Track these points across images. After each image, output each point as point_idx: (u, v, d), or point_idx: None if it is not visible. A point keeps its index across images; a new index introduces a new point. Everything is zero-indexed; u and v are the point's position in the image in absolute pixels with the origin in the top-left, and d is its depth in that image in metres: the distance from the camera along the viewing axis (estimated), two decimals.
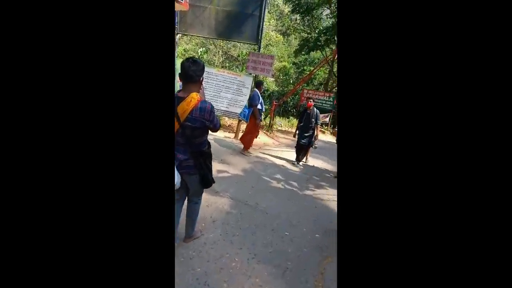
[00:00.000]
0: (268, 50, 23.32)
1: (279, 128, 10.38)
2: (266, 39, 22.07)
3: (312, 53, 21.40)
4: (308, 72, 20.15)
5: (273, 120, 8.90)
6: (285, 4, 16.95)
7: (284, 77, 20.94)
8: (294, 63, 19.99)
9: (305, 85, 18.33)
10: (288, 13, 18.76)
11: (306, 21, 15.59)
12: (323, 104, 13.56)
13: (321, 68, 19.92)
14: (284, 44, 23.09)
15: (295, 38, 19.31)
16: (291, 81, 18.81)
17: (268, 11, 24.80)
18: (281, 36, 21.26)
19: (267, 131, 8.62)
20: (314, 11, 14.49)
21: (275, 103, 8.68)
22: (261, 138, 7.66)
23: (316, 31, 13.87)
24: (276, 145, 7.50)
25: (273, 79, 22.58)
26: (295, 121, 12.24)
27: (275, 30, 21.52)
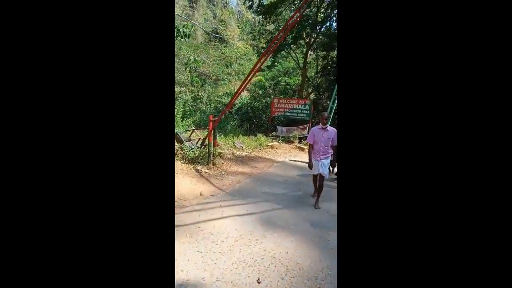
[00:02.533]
0: (241, 65, 19.95)
1: (238, 153, 6.53)
2: (237, 52, 18.73)
3: (286, 63, 18.16)
4: (283, 83, 16.72)
5: (215, 145, 5.02)
6: (243, 4, 13.40)
7: (261, 91, 17.38)
8: (262, 70, 16.34)
9: (278, 93, 14.76)
10: (259, 24, 15.25)
11: (271, 22, 12.04)
12: (299, 114, 9.89)
13: (294, 76, 16.48)
14: (256, 55, 19.76)
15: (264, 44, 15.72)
16: (268, 94, 15.27)
17: (238, 26, 21.61)
18: (250, 47, 17.90)
19: (208, 165, 4.75)
20: (277, 10, 11.00)
21: (211, 119, 4.76)
22: (182, 184, 3.78)
23: (280, 27, 10.26)
24: (203, 201, 3.63)
25: (249, 93, 19.07)
26: (263, 140, 8.42)
27: (241, 40, 18.13)
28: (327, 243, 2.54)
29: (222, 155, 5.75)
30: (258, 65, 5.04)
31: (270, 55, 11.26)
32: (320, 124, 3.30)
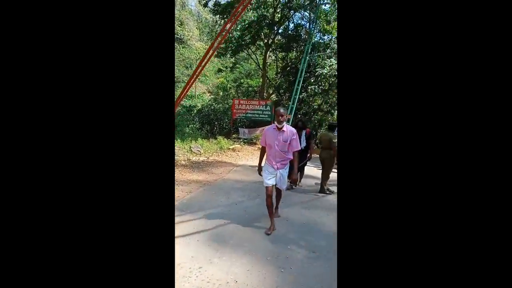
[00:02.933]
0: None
1: (194, 159, 5.92)
2: (196, 53, 17.89)
3: (247, 65, 17.89)
4: (245, 85, 16.41)
5: None
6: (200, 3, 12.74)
7: (222, 92, 16.75)
8: (218, 70, 15.76)
9: (241, 95, 14.38)
10: (216, 24, 14.65)
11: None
12: (260, 115, 9.60)
13: (256, 78, 16.29)
14: (215, 56, 19.10)
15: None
16: (231, 96, 14.79)
17: (196, 27, 20.73)
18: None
19: None
20: (233, 9, 10.56)
21: None
22: None
23: (238, 28, 9.86)
24: None
25: (211, 96, 18.33)
26: (224, 142, 7.91)
27: (200, 41, 17.37)
28: (285, 262, 2.13)
29: (174, 161, 5.09)
30: (211, 52, 4.53)
31: (228, 54, 10.76)
32: (275, 123, 2.50)
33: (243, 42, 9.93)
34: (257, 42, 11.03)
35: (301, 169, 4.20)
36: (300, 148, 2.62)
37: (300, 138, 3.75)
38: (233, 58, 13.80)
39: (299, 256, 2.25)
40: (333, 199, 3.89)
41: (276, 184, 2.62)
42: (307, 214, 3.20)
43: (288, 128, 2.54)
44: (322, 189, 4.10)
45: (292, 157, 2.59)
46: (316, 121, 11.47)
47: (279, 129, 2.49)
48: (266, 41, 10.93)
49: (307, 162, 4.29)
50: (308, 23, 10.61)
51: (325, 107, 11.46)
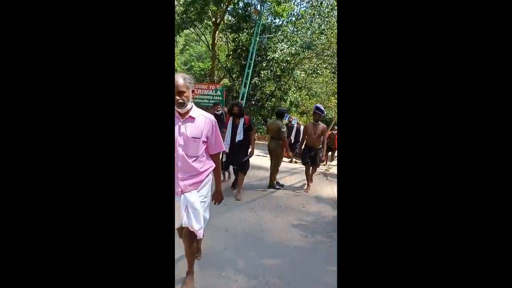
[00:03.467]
0: None
1: None
2: None
3: (198, 47, 16.40)
4: (196, 69, 15.04)
5: None
6: None
7: None
8: None
9: (193, 79, 13.11)
10: None
11: None
12: (211, 101, 8.71)
13: (208, 61, 15.04)
14: None
15: None
16: None
17: None
18: None
19: None
20: None
21: None
22: None
23: (181, 3, 8.52)
24: None
25: None
26: None
27: None
28: None
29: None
30: None
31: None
32: (176, 107, 1.23)
33: (188, 19, 8.67)
34: (205, 21, 9.85)
35: (242, 169, 3.10)
36: (224, 149, 1.58)
37: (236, 128, 3.03)
38: (181, 38, 12.29)
39: (235, 287, 1.67)
40: (283, 195, 3.43)
41: (182, 223, 1.34)
42: (252, 219, 2.66)
43: (200, 113, 1.33)
44: (272, 184, 3.61)
45: (208, 170, 1.40)
46: (269, 108, 11.05)
47: (182, 115, 1.28)
48: (214, 19, 9.81)
49: (249, 160, 3.15)
50: (258, 3, 9.81)
51: (278, 93, 11.07)
